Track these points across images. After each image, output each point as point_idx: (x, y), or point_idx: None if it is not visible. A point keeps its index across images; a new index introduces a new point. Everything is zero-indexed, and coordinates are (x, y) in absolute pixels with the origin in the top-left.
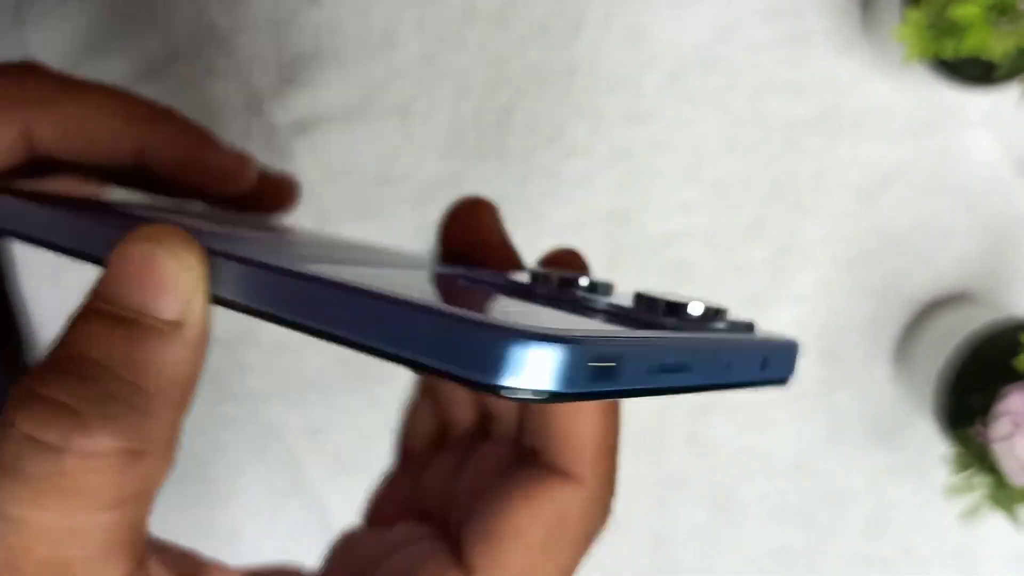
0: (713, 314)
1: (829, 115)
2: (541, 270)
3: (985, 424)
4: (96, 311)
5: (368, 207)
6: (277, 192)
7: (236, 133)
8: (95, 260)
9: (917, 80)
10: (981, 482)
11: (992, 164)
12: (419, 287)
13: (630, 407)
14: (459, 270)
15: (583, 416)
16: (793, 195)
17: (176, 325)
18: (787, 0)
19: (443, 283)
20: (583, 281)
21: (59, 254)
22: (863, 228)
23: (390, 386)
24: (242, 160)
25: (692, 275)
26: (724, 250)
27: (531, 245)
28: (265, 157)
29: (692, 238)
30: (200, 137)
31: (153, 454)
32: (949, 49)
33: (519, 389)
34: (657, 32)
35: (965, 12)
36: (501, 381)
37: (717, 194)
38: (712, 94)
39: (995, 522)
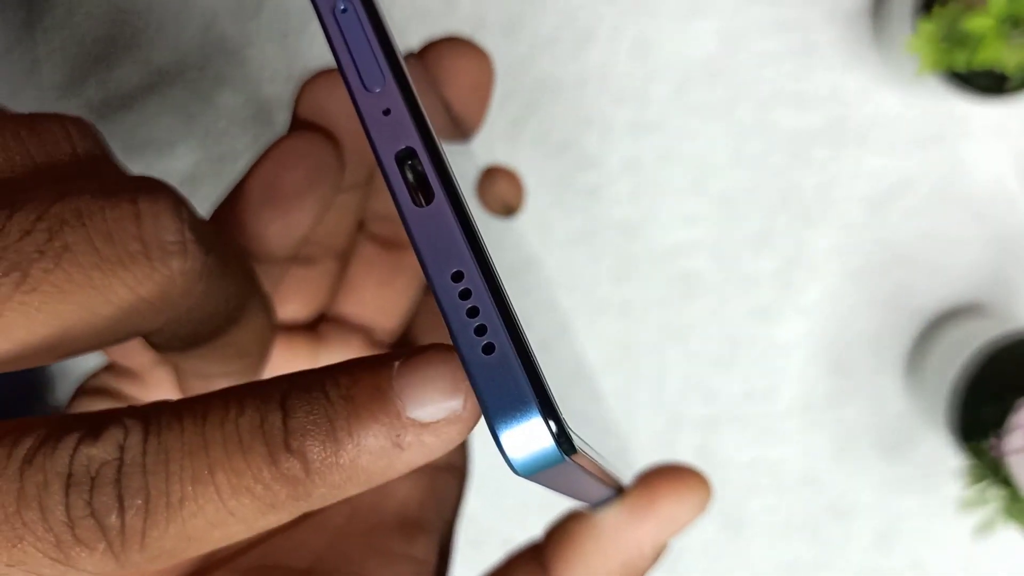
0: None
1: (836, 126)
2: None
3: (999, 437)
4: None
5: None
6: None
7: (246, 144)
8: None
9: (926, 91)
10: (995, 495)
11: (1000, 175)
12: None
13: (639, 420)
14: None
15: None
16: (800, 206)
17: None
18: (794, 12)
19: None
20: None
21: None
22: (871, 239)
23: None
24: None
25: (699, 287)
26: (731, 262)
27: (539, 255)
28: None
29: (699, 249)
30: None
31: None
32: (961, 61)
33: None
34: (664, 44)
35: (978, 24)
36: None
37: (724, 205)
38: (719, 106)
39: (1005, 535)
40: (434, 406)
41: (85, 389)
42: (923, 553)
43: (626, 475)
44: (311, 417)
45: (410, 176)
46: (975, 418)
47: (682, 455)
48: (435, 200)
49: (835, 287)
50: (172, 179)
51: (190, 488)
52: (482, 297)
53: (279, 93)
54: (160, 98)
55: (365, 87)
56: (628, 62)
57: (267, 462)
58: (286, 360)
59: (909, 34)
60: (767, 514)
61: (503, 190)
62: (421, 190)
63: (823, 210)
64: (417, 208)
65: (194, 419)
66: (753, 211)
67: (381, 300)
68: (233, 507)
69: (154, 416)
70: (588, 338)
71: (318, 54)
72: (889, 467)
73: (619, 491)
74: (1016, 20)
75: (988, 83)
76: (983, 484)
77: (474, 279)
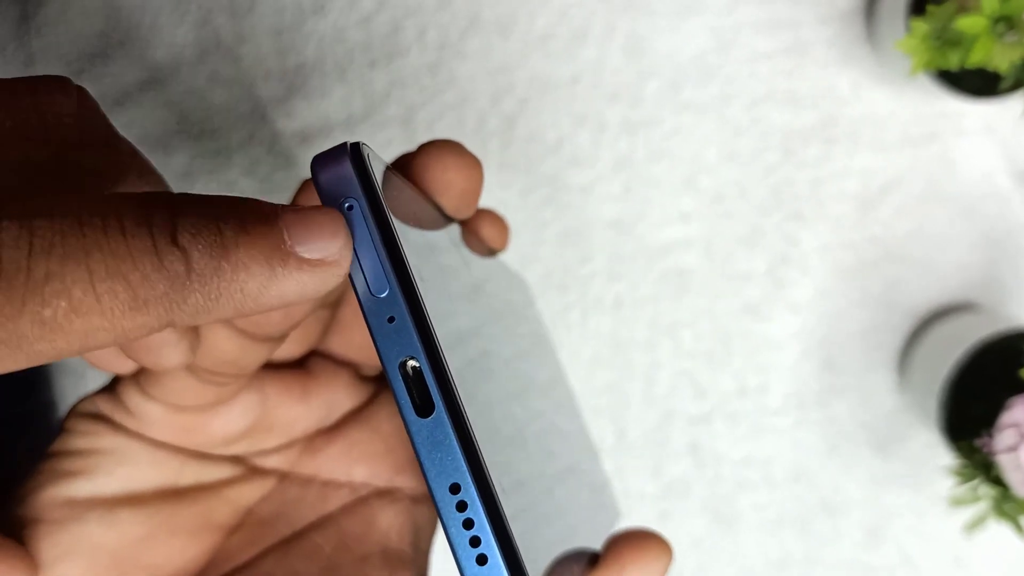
0: None
1: (828, 125)
2: None
3: (990, 435)
4: None
5: None
6: None
7: (240, 141)
8: None
9: (918, 90)
10: (985, 493)
11: (991, 174)
12: None
13: (632, 417)
14: None
15: None
16: (792, 204)
17: None
18: (786, 11)
19: None
20: None
21: None
22: (862, 237)
23: None
24: None
25: (691, 284)
26: (723, 259)
27: (532, 253)
28: (269, 165)
29: (691, 247)
30: None
31: None
32: (954, 61)
33: None
34: (657, 42)
35: (970, 24)
36: None
37: (716, 203)
38: (711, 104)
39: (995, 532)
40: (314, 244)
41: (78, 411)
42: (913, 549)
43: (615, 493)
44: (203, 221)
45: (412, 383)
46: (966, 416)
47: (674, 452)
48: (435, 412)
49: (827, 284)
50: (167, 176)
51: (57, 266)
52: (476, 509)
53: (273, 90)
54: (154, 95)
55: (371, 291)
56: (621, 60)
57: (150, 251)
58: (277, 393)
59: (902, 33)
60: (758, 510)
61: (487, 233)
62: (422, 399)
63: (815, 208)
64: (419, 418)
65: (69, 204)
66: (745, 208)
67: (368, 341)
68: (102, 291)
69: (30, 209)
70: (581, 335)
71: (313, 52)
72: (880, 464)
73: (592, 558)
74: (1009, 20)
75: (980, 83)
76: (974, 483)
77: (470, 492)
